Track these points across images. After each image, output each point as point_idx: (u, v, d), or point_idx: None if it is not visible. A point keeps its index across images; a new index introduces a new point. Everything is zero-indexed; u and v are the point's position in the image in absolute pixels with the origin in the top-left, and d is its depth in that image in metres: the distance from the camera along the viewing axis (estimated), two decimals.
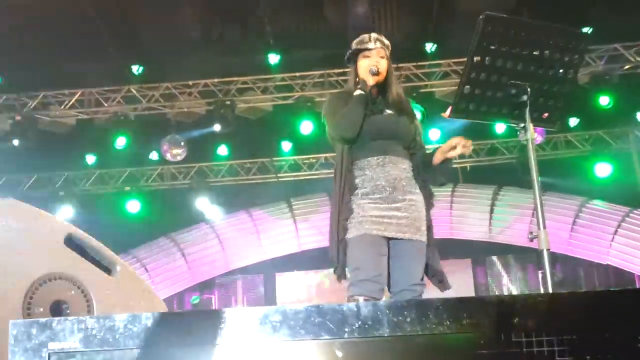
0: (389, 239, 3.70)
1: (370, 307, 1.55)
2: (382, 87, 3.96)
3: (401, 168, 3.81)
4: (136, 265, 13.90)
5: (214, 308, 15.89)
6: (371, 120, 3.81)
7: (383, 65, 3.91)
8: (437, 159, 3.84)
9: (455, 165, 13.88)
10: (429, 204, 3.89)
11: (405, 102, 4.03)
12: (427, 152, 4.00)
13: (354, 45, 4.02)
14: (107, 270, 2.42)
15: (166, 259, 14.55)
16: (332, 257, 3.74)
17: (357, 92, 3.86)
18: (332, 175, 3.95)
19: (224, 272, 15.44)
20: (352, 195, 3.74)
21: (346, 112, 3.80)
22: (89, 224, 12.49)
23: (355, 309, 1.54)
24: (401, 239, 3.71)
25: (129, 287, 2.50)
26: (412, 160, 3.92)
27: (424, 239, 3.79)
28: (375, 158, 3.79)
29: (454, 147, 3.77)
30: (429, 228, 3.86)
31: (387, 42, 4.00)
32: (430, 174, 3.92)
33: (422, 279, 3.76)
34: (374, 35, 3.99)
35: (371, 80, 3.85)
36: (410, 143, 3.93)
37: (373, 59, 3.91)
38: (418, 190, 3.85)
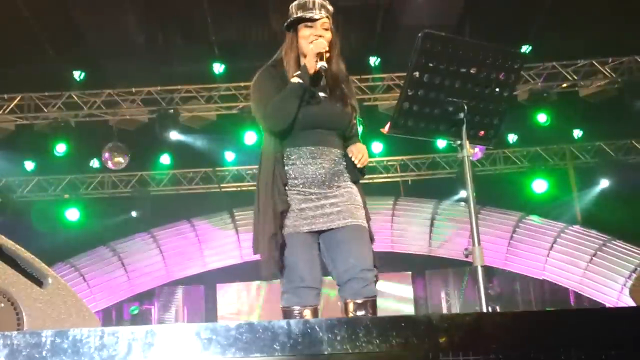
0: (320, 232, 3.44)
1: (301, 324, 1.55)
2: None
3: (333, 159, 3.53)
4: (74, 275, 13.66)
5: (153, 319, 15.70)
6: (305, 110, 3.46)
7: (327, 38, 3.53)
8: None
9: (396, 179, 14.03)
10: (362, 198, 3.62)
11: (343, 80, 3.66)
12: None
13: (294, 10, 3.57)
14: (39, 282, 2.37)
15: (105, 268, 14.32)
16: (263, 258, 3.40)
17: (295, 79, 3.45)
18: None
19: (164, 282, 15.26)
20: (283, 187, 3.43)
21: (278, 103, 3.44)
22: (26, 232, 12.34)
23: (286, 327, 1.54)
24: (336, 228, 3.42)
25: (61, 300, 2.45)
26: (346, 149, 3.62)
27: (363, 222, 3.51)
28: (307, 149, 3.49)
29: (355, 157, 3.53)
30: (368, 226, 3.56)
31: (331, 7, 3.61)
32: (349, 166, 3.60)
33: (372, 265, 3.43)
34: (318, 0, 3.57)
35: (314, 68, 3.46)
36: (345, 130, 3.63)
37: (317, 31, 3.52)
38: (351, 183, 3.58)
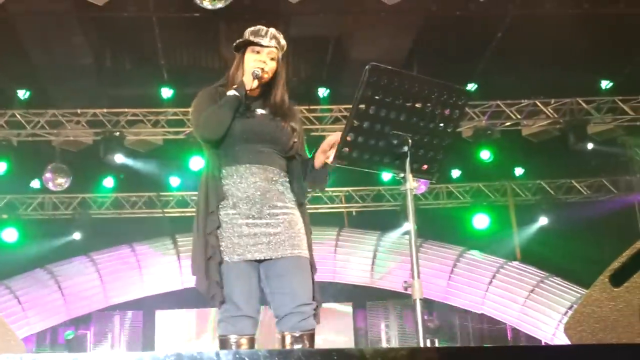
0: (259, 260, 3.39)
1: (231, 356, 1.53)
2: (266, 87, 3.59)
3: (272, 179, 3.49)
4: (9, 297, 13.32)
5: (88, 344, 15.36)
6: (240, 122, 3.46)
7: (271, 67, 3.56)
8: (318, 161, 3.55)
9: (341, 210, 14.09)
10: (306, 226, 3.57)
11: (286, 105, 3.64)
12: (308, 158, 3.65)
13: (247, 34, 3.60)
14: None
15: (41, 291, 13.97)
16: (200, 280, 3.34)
17: (231, 92, 3.47)
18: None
19: (102, 307, 14.96)
20: (219, 205, 3.39)
21: (212, 112, 3.43)
22: None
23: (215, 358, 1.51)
24: (275, 258, 3.37)
25: None
26: (290, 170, 3.60)
27: (305, 254, 3.45)
28: (244, 166, 3.46)
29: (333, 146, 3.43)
30: (310, 254, 3.51)
31: (283, 42, 3.64)
32: (310, 179, 3.60)
33: (311, 298, 3.38)
34: (272, 31, 3.60)
35: (251, 85, 3.49)
36: (285, 148, 3.59)
37: (262, 57, 3.55)
38: (293, 204, 3.53)
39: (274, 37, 3.59)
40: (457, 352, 1.71)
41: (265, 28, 3.60)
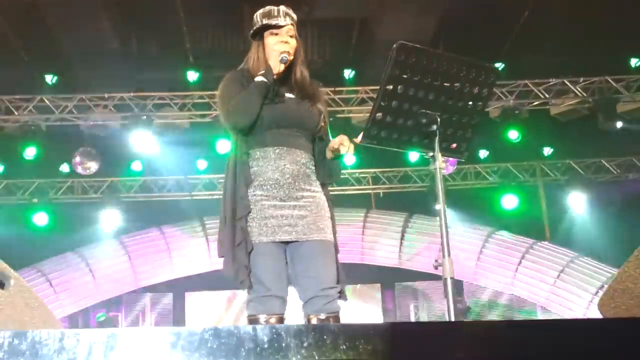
0: (287, 242, 3.41)
1: (267, 330, 1.53)
2: (287, 66, 3.56)
3: (300, 162, 3.50)
4: (41, 280, 13.49)
5: (120, 326, 15.53)
6: (270, 108, 3.45)
7: (292, 45, 3.56)
8: (327, 154, 3.57)
9: (368, 192, 14.06)
10: (329, 205, 3.58)
11: (310, 85, 3.68)
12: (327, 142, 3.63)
13: (259, 18, 3.60)
14: (0, 284, 2.32)
15: (72, 274, 14.15)
16: (227, 265, 3.36)
17: (259, 78, 3.45)
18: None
19: (132, 289, 15.13)
20: (248, 189, 3.40)
21: (242, 100, 3.42)
22: None
23: (252, 332, 1.52)
24: (300, 241, 3.40)
25: (23, 302, 2.41)
26: (314, 152, 3.60)
27: (329, 237, 3.48)
28: (272, 149, 3.46)
29: (342, 144, 3.45)
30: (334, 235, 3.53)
31: (295, 16, 3.64)
32: (319, 168, 3.61)
33: (336, 282, 3.42)
34: (282, 8, 3.61)
35: (278, 69, 3.48)
36: (313, 131, 3.61)
37: (282, 38, 3.53)
38: (318, 187, 3.55)
39: (287, 13, 3.60)
40: (493, 326, 1.71)
41: (275, 7, 3.61)
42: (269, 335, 1.52)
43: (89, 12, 11.02)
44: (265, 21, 3.57)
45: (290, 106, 3.55)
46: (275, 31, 3.56)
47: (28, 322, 2.42)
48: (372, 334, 1.55)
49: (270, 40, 3.57)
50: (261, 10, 3.63)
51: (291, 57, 3.54)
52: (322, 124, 3.66)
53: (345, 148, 3.46)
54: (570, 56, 11.68)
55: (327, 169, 3.61)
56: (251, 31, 3.65)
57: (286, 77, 3.60)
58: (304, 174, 3.50)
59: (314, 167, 3.59)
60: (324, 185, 3.62)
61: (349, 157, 11.91)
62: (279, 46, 3.52)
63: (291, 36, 3.58)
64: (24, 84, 12.02)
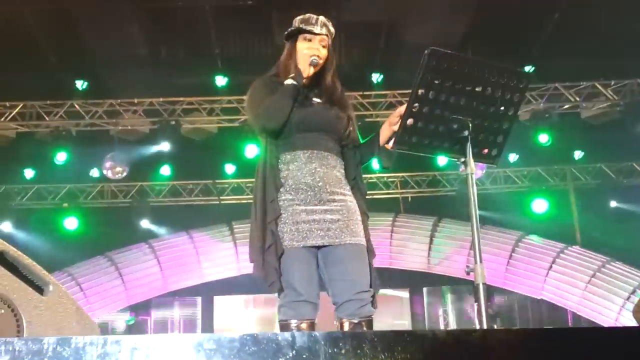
0: (319, 247, 3.38)
1: (305, 337, 1.54)
2: (317, 74, 3.57)
3: (330, 165, 3.49)
4: (71, 284, 13.62)
5: (149, 330, 15.64)
6: (299, 111, 3.44)
7: (323, 54, 3.55)
8: (384, 136, 3.59)
9: (397, 196, 14.04)
10: (362, 206, 3.56)
11: (339, 92, 3.66)
12: (363, 142, 3.68)
13: (297, 23, 3.61)
14: (40, 289, 2.35)
15: (102, 278, 14.28)
16: (258, 268, 3.34)
17: (289, 81, 3.45)
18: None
19: (161, 293, 15.22)
20: (278, 193, 3.39)
21: (272, 102, 3.42)
22: (25, 240, 12.32)
23: (290, 339, 1.53)
24: (334, 244, 3.36)
25: (61, 307, 2.44)
26: (345, 157, 3.60)
27: (363, 241, 3.44)
28: (302, 152, 3.45)
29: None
30: (368, 239, 3.50)
31: (332, 29, 3.63)
32: (376, 156, 3.62)
33: (369, 285, 3.37)
34: (321, 18, 3.61)
35: (308, 72, 3.50)
36: (342, 136, 3.59)
37: (314, 45, 3.54)
38: (349, 191, 3.52)
39: (324, 24, 3.59)
40: (529, 334, 1.70)
41: (315, 16, 3.61)
42: (307, 342, 1.53)
43: (119, 18, 11.15)
44: (301, 26, 3.59)
45: (319, 110, 3.55)
46: (308, 36, 3.57)
47: (67, 327, 2.45)
48: (409, 341, 1.56)
49: (301, 45, 3.57)
50: (300, 16, 3.64)
51: (321, 62, 3.54)
52: (351, 128, 3.64)
53: (396, 123, 3.47)
54: (601, 59, 11.58)
55: (385, 154, 3.63)
56: (285, 32, 3.66)
57: (316, 83, 3.60)
58: (335, 177, 3.49)
59: (344, 171, 3.57)
60: (362, 196, 3.60)
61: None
62: (310, 51, 3.53)
63: (323, 46, 3.58)
64: (55, 90, 12.18)
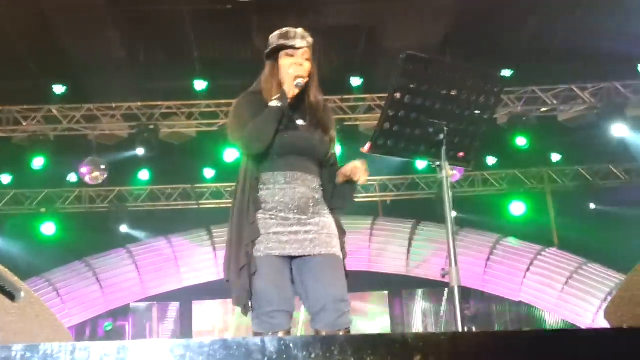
0: (292, 257, 3.38)
1: (275, 342, 1.54)
2: (301, 91, 3.52)
3: (310, 187, 3.47)
4: (48, 289, 13.51)
5: (127, 335, 15.55)
6: (283, 135, 3.42)
7: (307, 68, 3.51)
8: (338, 180, 3.58)
9: (376, 199, 14.07)
10: (340, 229, 3.55)
11: (323, 110, 3.64)
12: (336, 168, 3.66)
13: (275, 39, 3.56)
14: (11, 296, 2.32)
15: (80, 283, 14.16)
16: (233, 285, 3.33)
17: (274, 102, 3.42)
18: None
19: (139, 298, 15.14)
20: (257, 214, 3.37)
21: (257, 126, 3.38)
22: (1, 246, 12.19)
23: (260, 344, 1.53)
24: (308, 255, 3.36)
25: (33, 314, 2.42)
26: (323, 178, 3.57)
27: (338, 252, 3.44)
28: (283, 174, 3.44)
29: (354, 171, 3.49)
30: (344, 256, 3.50)
31: (311, 39, 3.58)
32: (330, 194, 3.59)
33: (346, 296, 3.35)
34: (299, 31, 3.56)
35: (293, 93, 3.45)
36: (323, 159, 3.59)
37: (298, 60, 3.50)
38: (327, 212, 3.52)
39: (303, 36, 3.55)
40: (499, 337, 1.71)
41: (292, 29, 3.57)
42: (277, 347, 1.53)
43: (97, 22, 11.08)
44: (281, 42, 3.54)
45: (303, 134, 3.52)
46: (290, 52, 3.53)
47: (38, 334, 2.43)
48: (379, 345, 1.56)
49: (285, 61, 3.52)
50: (278, 32, 3.60)
51: (305, 81, 3.50)
52: (333, 151, 3.66)
53: (357, 176, 3.49)
54: (578, 62, 11.68)
55: (339, 194, 3.61)
56: (266, 51, 3.62)
57: (299, 101, 3.56)
58: (314, 199, 3.48)
59: (322, 192, 3.56)
60: (332, 211, 3.58)
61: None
62: (294, 69, 3.47)
63: (307, 59, 3.54)
64: (32, 95, 12.09)
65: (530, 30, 11.19)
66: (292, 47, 3.52)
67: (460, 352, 1.61)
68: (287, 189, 3.42)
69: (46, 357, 1.50)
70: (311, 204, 3.45)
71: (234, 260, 3.35)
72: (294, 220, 3.39)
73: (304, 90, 3.55)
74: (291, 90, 3.45)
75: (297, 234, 3.37)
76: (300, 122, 3.55)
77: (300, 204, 3.42)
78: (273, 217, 3.38)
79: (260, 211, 3.39)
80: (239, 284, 3.30)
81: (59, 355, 1.50)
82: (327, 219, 3.50)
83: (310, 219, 3.43)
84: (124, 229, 13.65)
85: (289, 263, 3.39)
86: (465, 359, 1.61)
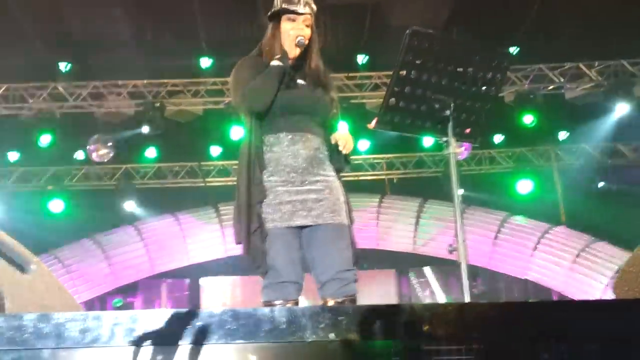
0: (302, 227, 3.43)
1: (284, 312, 1.56)
2: (302, 55, 3.59)
3: (313, 147, 3.51)
4: (58, 266, 13.59)
5: None
6: (284, 94, 3.47)
7: (307, 33, 3.56)
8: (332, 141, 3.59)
9: (382, 177, 14.07)
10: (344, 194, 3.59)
11: (323, 73, 3.67)
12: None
13: (279, 3, 3.59)
14: (21, 268, 2.35)
15: (89, 260, 14.24)
16: (245, 250, 3.37)
17: (275, 62, 3.48)
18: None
19: (148, 275, 15.21)
20: (263, 175, 3.42)
21: (258, 83, 3.44)
22: (9, 222, 12.25)
23: (270, 314, 1.55)
24: (316, 225, 3.41)
25: (44, 286, 2.44)
26: (326, 139, 3.60)
27: (345, 220, 3.50)
28: (286, 134, 3.48)
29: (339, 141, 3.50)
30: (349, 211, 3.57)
31: (314, 6, 3.62)
32: (332, 155, 3.61)
33: (353, 264, 3.42)
34: None
35: (294, 53, 3.53)
36: (326, 118, 3.63)
37: (299, 25, 3.54)
38: (332, 172, 3.56)
39: (307, 3, 3.58)
40: (504, 307, 1.73)
41: None
42: (286, 317, 1.55)
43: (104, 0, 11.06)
44: (284, 6, 3.57)
45: (304, 93, 3.57)
46: (292, 17, 3.56)
47: (49, 305, 2.46)
48: (387, 315, 1.58)
49: (286, 25, 3.57)
50: None
51: (306, 42, 3.55)
52: (334, 110, 3.68)
53: (341, 146, 3.50)
54: (585, 40, 11.61)
55: (336, 158, 3.62)
56: (269, 13, 3.65)
57: (300, 66, 3.61)
58: (318, 159, 3.52)
59: (326, 152, 3.59)
60: (337, 172, 3.62)
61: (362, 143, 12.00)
62: (295, 31, 3.53)
63: (307, 25, 3.58)
64: (38, 72, 12.09)
65: (536, 7, 11.10)
66: (295, 12, 3.55)
67: (467, 322, 1.63)
68: (291, 149, 3.47)
69: (58, 326, 1.53)
70: (315, 164, 3.49)
71: (244, 222, 3.39)
72: (299, 182, 3.43)
73: (305, 53, 3.60)
74: (292, 50, 3.52)
75: (304, 202, 3.41)
76: (301, 81, 3.60)
77: (305, 164, 3.46)
78: (280, 182, 3.42)
79: (266, 174, 3.44)
80: (253, 245, 3.35)
81: (72, 324, 1.53)
82: (334, 182, 3.55)
83: (315, 177, 3.47)
84: (130, 206, 13.65)
85: (298, 233, 3.44)
86: (473, 328, 1.63)
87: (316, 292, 3.49)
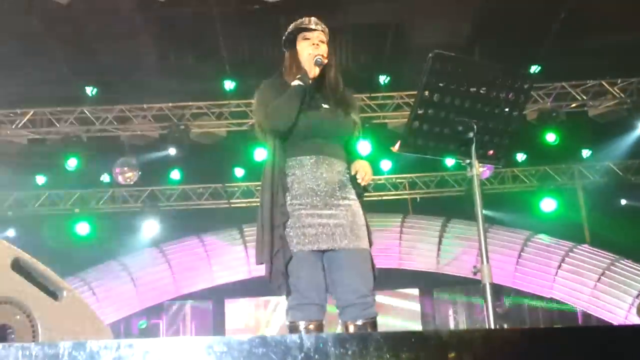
0: (324, 250, 3.46)
1: (313, 339, 1.59)
2: (321, 73, 3.63)
3: (336, 170, 3.56)
4: (84, 289, 13.70)
5: (161, 334, 15.70)
6: (306, 116, 3.51)
7: (324, 49, 3.63)
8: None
9: (405, 197, 14.06)
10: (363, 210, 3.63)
11: (344, 91, 3.74)
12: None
13: (291, 27, 3.72)
14: (54, 295, 2.40)
15: (114, 282, 14.35)
16: (266, 271, 3.41)
17: (296, 82, 3.53)
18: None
19: (172, 297, 15.29)
20: (286, 198, 3.46)
21: (280, 103, 3.49)
22: (36, 246, 12.35)
23: (299, 341, 1.58)
24: (338, 249, 3.44)
25: (75, 312, 2.49)
26: (348, 161, 3.65)
27: (365, 245, 3.53)
28: (309, 157, 3.52)
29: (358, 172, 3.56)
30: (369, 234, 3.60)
31: (325, 27, 3.72)
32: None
33: (371, 289, 3.46)
34: (313, 19, 3.71)
35: (314, 72, 3.56)
36: (348, 141, 3.70)
37: (314, 41, 3.63)
38: (354, 195, 3.59)
39: (318, 22, 3.69)
40: (531, 333, 1.74)
41: (306, 17, 3.71)
42: (315, 344, 1.57)
43: (128, 24, 11.20)
44: (297, 26, 3.70)
45: (326, 116, 3.60)
46: (307, 35, 3.66)
47: (80, 332, 2.50)
48: (414, 342, 1.60)
49: (302, 45, 3.66)
50: (293, 23, 3.75)
51: (325, 60, 3.61)
52: (356, 133, 3.74)
53: (359, 179, 3.56)
54: (608, 57, 11.57)
55: (356, 185, 3.66)
56: (283, 39, 3.75)
57: (320, 85, 3.66)
58: (340, 182, 3.55)
59: (349, 175, 3.62)
60: (359, 196, 3.66)
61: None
62: (312, 50, 3.61)
63: (322, 41, 3.66)
64: (65, 97, 12.24)
65: (558, 25, 11.09)
66: (308, 29, 3.66)
67: (494, 349, 1.64)
68: (313, 173, 3.51)
69: (92, 354, 1.56)
70: (338, 188, 3.53)
71: (267, 243, 3.42)
72: (321, 205, 3.47)
73: (324, 73, 3.65)
74: (312, 70, 3.57)
75: (326, 226, 3.44)
76: (324, 104, 3.64)
77: (327, 188, 3.50)
78: (303, 205, 3.46)
79: (289, 197, 3.47)
80: (275, 267, 3.39)
81: (105, 352, 1.56)
82: (356, 206, 3.58)
83: (338, 201, 3.50)
84: (156, 228, 13.75)
85: (320, 255, 3.48)
86: (499, 355, 1.64)
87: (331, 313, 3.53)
